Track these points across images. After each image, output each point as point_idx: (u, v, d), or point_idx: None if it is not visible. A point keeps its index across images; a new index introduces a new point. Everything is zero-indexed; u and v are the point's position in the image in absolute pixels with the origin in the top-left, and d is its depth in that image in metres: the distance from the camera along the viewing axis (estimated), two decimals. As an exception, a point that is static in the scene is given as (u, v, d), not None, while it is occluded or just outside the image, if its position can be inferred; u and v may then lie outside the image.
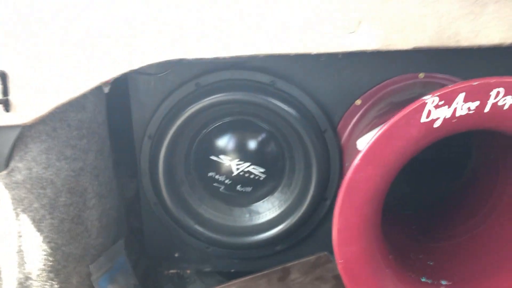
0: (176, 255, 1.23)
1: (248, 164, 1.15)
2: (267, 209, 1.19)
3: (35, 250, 0.85)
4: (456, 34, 0.72)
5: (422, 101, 0.73)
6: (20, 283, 0.86)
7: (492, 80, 0.72)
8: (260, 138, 1.15)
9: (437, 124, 0.75)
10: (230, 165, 1.15)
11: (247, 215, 1.20)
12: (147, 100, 1.11)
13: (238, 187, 1.17)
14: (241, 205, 1.20)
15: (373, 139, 0.75)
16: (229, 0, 0.79)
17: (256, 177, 1.16)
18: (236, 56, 0.82)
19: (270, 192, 1.19)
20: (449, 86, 0.73)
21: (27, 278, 0.86)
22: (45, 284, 0.86)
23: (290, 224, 1.15)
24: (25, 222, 0.84)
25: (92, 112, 0.91)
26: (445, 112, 0.74)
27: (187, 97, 1.08)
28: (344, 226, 0.79)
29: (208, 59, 0.82)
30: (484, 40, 0.73)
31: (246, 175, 1.16)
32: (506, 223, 0.98)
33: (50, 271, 0.86)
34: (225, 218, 1.20)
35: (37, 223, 0.84)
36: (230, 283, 1.05)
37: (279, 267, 1.08)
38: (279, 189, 1.19)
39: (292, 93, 1.08)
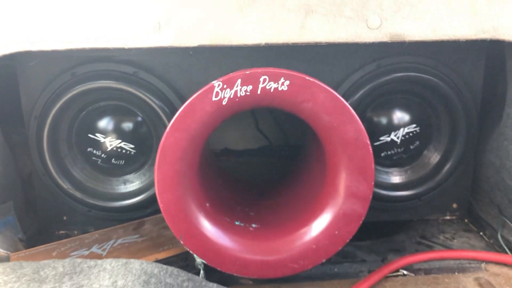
0: (65, 218, 1.46)
1: (119, 141, 1.40)
2: (139, 179, 1.45)
3: None
4: (228, 35, 1.00)
5: (211, 85, 1.01)
6: None
7: (259, 70, 1.00)
8: (128, 120, 1.40)
9: (225, 102, 1.02)
10: (104, 142, 1.40)
11: (122, 184, 1.45)
12: (33, 87, 1.34)
13: (113, 160, 1.42)
14: (117, 175, 1.45)
15: (177, 113, 1.02)
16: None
17: (128, 152, 1.41)
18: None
19: (142, 165, 1.45)
20: (231, 74, 1.01)
21: None
22: None
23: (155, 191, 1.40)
24: None
25: (-26, 93, 1.15)
26: (229, 93, 1.02)
27: (64, 84, 1.32)
28: (161, 178, 1.05)
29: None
30: (247, 41, 1.01)
31: (119, 150, 1.41)
32: (303, 186, 1.27)
33: None
34: (103, 186, 1.44)
35: None
36: (94, 232, 1.29)
37: (137, 221, 1.34)
38: (149, 162, 1.44)
39: (153, 82, 1.34)
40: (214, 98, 1.02)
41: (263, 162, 1.86)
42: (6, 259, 1.17)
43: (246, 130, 1.86)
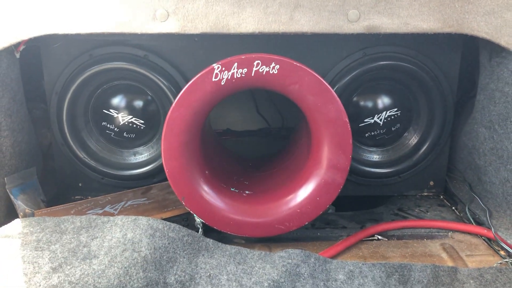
0: (80, 184, 1.63)
1: (130, 117, 1.56)
2: (147, 151, 1.62)
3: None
4: (227, 25, 1.16)
5: (212, 67, 1.17)
6: None
7: (253, 55, 1.16)
8: (139, 97, 1.56)
9: (223, 83, 1.18)
10: (117, 117, 1.56)
11: (132, 155, 1.62)
12: (55, 66, 1.50)
13: (125, 134, 1.59)
14: (127, 147, 1.62)
15: (182, 91, 1.18)
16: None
17: (138, 127, 1.58)
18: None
19: (150, 139, 1.62)
20: (229, 58, 1.17)
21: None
22: None
23: (161, 162, 1.57)
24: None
25: (6, 69, 1.31)
26: (227, 75, 1.17)
27: (83, 64, 1.48)
28: (167, 147, 1.22)
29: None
30: (244, 30, 1.17)
31: (130, 125, 1.57)
32: (292, 160, 1.43)
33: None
34: (116, 157, 1.61)
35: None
36: (107, 195, 1.47)
37: (145, 187, 1.51)
38: (157, 136, 1.61)
39: (161, 65, 1.50)
40: (214, 79, 1.17)
41: (261, 142, 2.01)
42: (31, 215, 1.34)
43: (247, 113, 2.02)
